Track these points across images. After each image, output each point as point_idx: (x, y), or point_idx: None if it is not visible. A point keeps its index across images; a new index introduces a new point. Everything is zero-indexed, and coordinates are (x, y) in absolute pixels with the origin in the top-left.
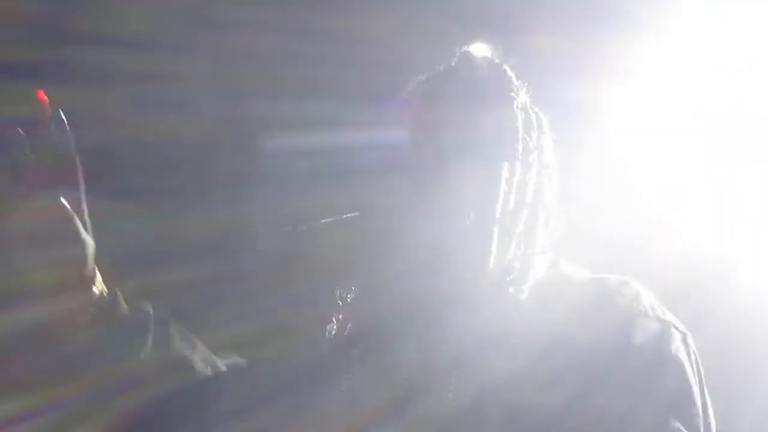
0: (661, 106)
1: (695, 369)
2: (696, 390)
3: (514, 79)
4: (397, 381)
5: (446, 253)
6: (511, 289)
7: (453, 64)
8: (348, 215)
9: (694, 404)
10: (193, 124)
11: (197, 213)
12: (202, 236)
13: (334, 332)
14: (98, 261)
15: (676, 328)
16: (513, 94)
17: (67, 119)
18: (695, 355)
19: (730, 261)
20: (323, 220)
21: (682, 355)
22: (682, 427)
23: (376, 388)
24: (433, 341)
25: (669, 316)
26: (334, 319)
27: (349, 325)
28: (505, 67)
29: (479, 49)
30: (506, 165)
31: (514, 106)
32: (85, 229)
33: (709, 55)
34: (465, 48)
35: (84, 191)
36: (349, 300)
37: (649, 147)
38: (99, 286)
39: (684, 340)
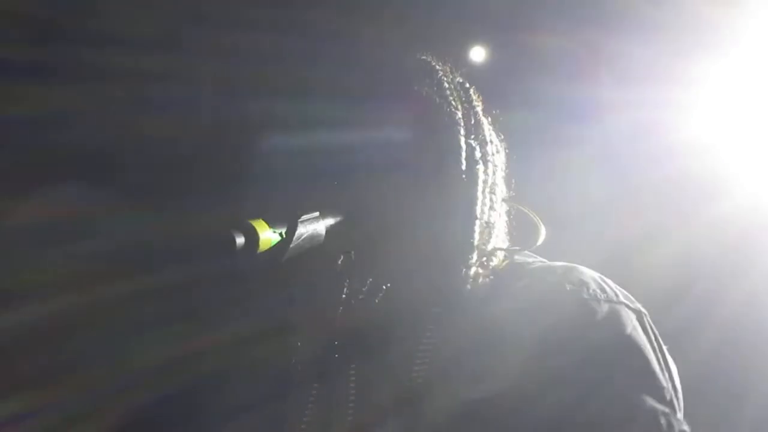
0: (663, 104)
1: (655, 344)
2: (656, 365)
3: (468, 83)
4: (395, 381)
5: (442, 252)
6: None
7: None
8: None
9: (657, 378)
10: (192, 123)
11: (196, 212)
12: (200, 235)
13: (331, 332)
14: (97, 260)
15: (629, 307)
16: (475, 102)
17: (67, 119)
18: (652, 329)
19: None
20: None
21: (638, 334)
22: (651, 401)
23: (373, 388)
24: (429, 342)
25: (620, 296)
26: (331, 318)
27: (346, 325)
28: (459, 73)
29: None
30: (481, 167)
31: (480, 113)
32: (85, 228)
33: (712, 54)
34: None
35: (83, 190)
36: (346, 300)
37: (656, 145)
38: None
39: (639, 318)
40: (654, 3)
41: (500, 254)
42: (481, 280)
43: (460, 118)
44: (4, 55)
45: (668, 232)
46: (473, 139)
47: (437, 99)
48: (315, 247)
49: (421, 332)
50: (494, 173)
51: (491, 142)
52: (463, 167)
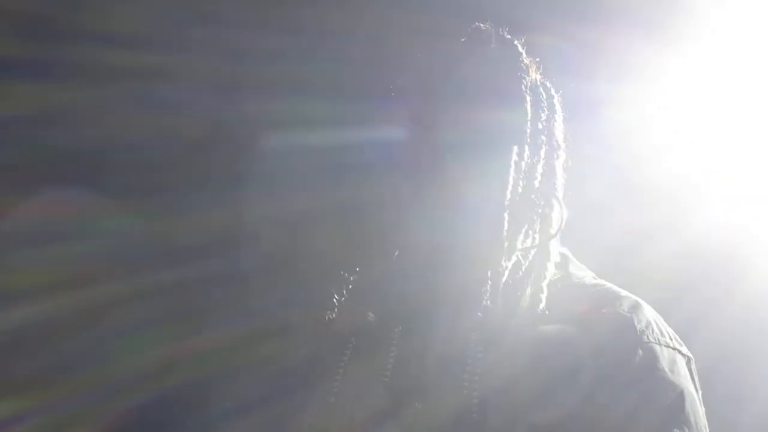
0: (663, 103)
1: (699, 394)
2: (703, 418)
3: (524, 56)
4: (394, 382)
5: (449, 251)
6: (528, 290)
7: (463, 41)
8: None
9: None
10: (190, 122)
11: (195, 212)
12: (199, 236)
13: (331, 332)
14: (95, 260)
15: (680, 352)
16: (522, 73)
17: (64, 118)
18: (695, 376)
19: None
20: (321, 219)
21: (691, 385)
22: None
23: (372, 389)
24: (431, 342)
25: (674, 342)
26: (330, 318)
27: (346, 325)
28: (516, 43)
29: (488, 27)
30: (515, 148)
31: (523, 86)
32: (81, 228)
33: (709, 53)
34: (475, 25)
35: (81, 190)
36: (346, 300)
37: (654, 143)
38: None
39: (687, 365)
40: (652, 1)
41: (553, 260)
42: (533, 290)
43: (464, 110)
44: (4, 54)
45: (667, 231)
46: (506, 115)
47: (438, 93)
48: (315, 246)
49: (416, 334)
50: (536, 155)
51: (535, 119)
52: (482, 151)
